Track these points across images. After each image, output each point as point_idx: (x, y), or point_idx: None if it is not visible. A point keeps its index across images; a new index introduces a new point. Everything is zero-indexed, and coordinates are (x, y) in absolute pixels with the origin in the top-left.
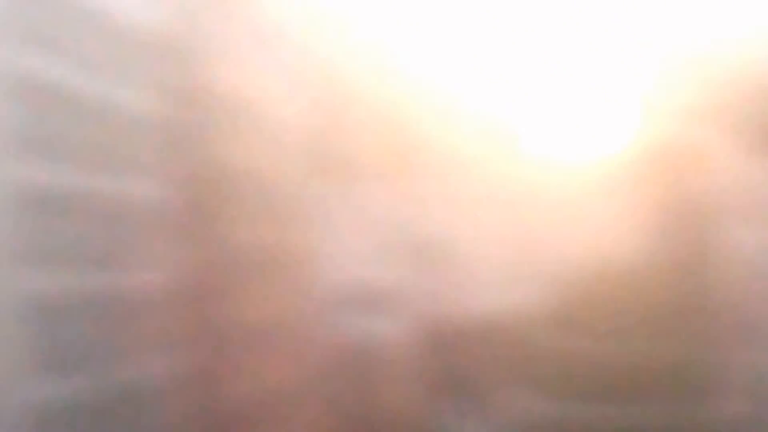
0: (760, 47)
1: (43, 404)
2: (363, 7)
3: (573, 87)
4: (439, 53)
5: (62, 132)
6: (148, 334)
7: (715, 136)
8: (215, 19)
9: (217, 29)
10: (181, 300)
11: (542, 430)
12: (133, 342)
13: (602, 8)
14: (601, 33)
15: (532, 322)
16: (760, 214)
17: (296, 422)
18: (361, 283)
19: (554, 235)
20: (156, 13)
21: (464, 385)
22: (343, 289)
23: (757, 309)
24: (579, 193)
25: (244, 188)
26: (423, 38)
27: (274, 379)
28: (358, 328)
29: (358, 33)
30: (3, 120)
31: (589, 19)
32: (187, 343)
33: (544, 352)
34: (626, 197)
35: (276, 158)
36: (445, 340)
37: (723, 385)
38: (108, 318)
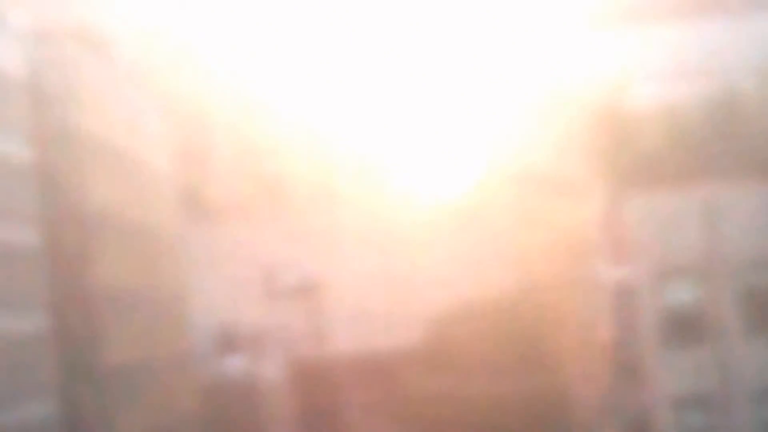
0: (621, 81)
1: None
2: (228, 48)
3: (441, 122)
4: (306, 91)
5: None
6: (19, 378)
7: (580, 170)
8: (84, 63)
9: (86, 74)
10: (52, 342)
11: None
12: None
13: (467, 46)
14: (467, 69)
15: (404, 362)
16: (624, 250)
17: None
18: (233, 324)
19: (424, 272)
20: (25, 59)
21: (338, 425)
22: (213, 331)
23: (625, 345)
24: (449, 228)
25: (115, 231)
26: (291, 77)
27: (147, 420)
28: (229, 368)
29: (224, 75)
30: None
31: (456, 56)
32: (57, 388)
33: (414, 392)
34: (496, 232)
35: (147, 202)
36: (317, 380)
37: (598, 426)
38: None
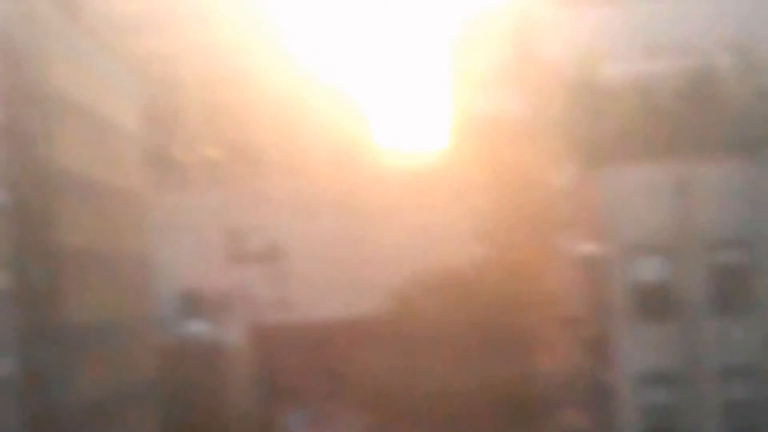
0: (595, 55)
1: None
2: (199, 9)
3: (409, 92)
4: (278, 55)
5: None
6: None
7: (552, 143)
8: (51, 21)
9: (53, 31)
10: (11, 300)
11: None
12: None
13: (442, 15)
14: (437, 37)
15: (361, 335)
16: (594, 224)
17: (128, 425)
18: (194, 289)
19: (389, 243)
20: None
21: (293, 394)
22: (177, 294)
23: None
24: (415, 197)
25: (78, 192)
26: (261, 39)
27: (106, 381)
28: (189, 332)
29: (194, 36)
30: None
31: (427, 24)
32: (17, 345)
33: (366, 367)
34: (458, 207)
35: (113, 163)
36: (275, 347)
37: (561, 402)
38: None
